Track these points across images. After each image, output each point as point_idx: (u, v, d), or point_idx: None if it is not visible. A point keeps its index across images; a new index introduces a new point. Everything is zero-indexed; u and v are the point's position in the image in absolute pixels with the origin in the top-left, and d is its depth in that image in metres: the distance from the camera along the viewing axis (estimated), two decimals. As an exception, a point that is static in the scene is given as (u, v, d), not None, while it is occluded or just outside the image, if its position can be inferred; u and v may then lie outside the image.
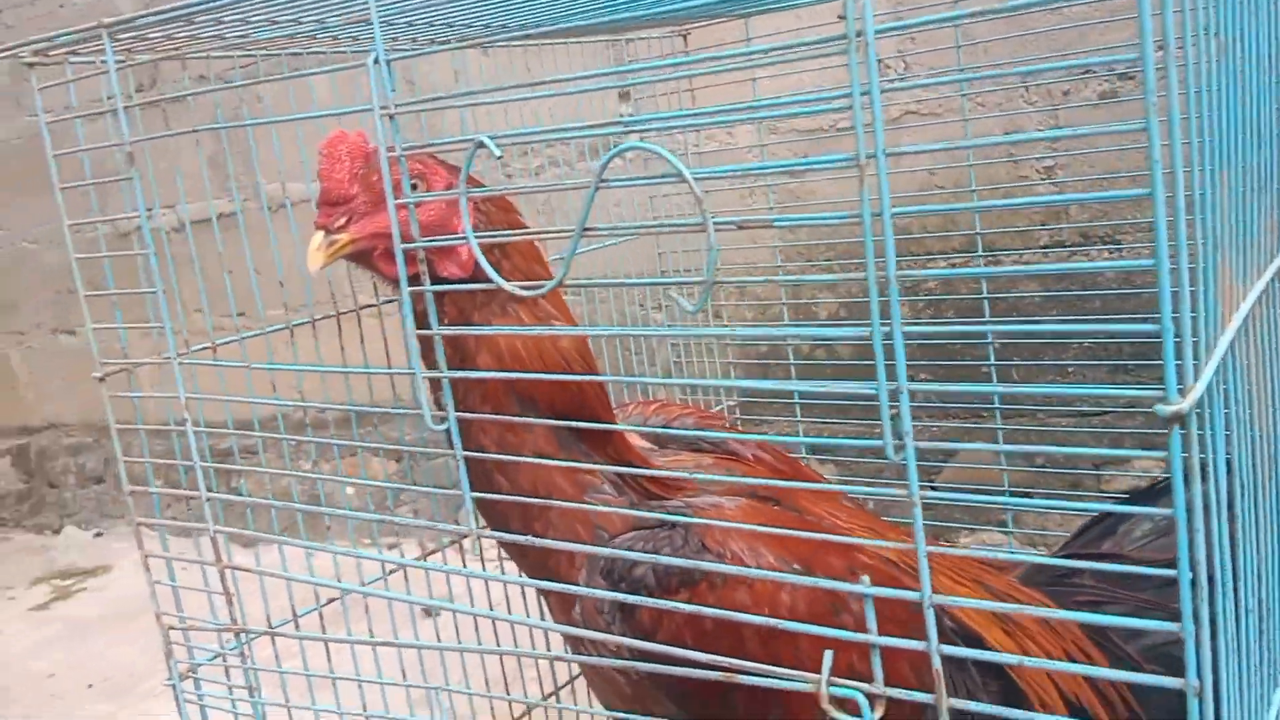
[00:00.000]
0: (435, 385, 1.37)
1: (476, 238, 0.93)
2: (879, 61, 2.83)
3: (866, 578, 0.79)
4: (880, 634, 1.36)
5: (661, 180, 0.77)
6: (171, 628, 1.32)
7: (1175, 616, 1.64)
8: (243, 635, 1.29)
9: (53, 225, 4.79)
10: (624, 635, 1.32)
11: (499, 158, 0.84)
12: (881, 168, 0.71)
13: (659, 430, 1.46)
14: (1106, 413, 2.90)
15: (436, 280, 1.32)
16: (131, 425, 1.33)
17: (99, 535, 5.02)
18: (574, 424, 1.36)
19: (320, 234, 1.31)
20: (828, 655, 0.80)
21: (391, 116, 0.95)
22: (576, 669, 1.84)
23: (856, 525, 1.56)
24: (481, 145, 0.85)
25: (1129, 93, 2.90)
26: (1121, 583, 1.61)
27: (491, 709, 1.63)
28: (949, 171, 2.84)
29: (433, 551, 1.62)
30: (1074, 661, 1.53)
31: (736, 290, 2.53)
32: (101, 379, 1.30)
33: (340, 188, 1.29)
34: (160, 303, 1.25)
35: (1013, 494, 2.63)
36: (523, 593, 1.78)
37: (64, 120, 1.35)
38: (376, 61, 0.92)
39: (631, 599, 1.27)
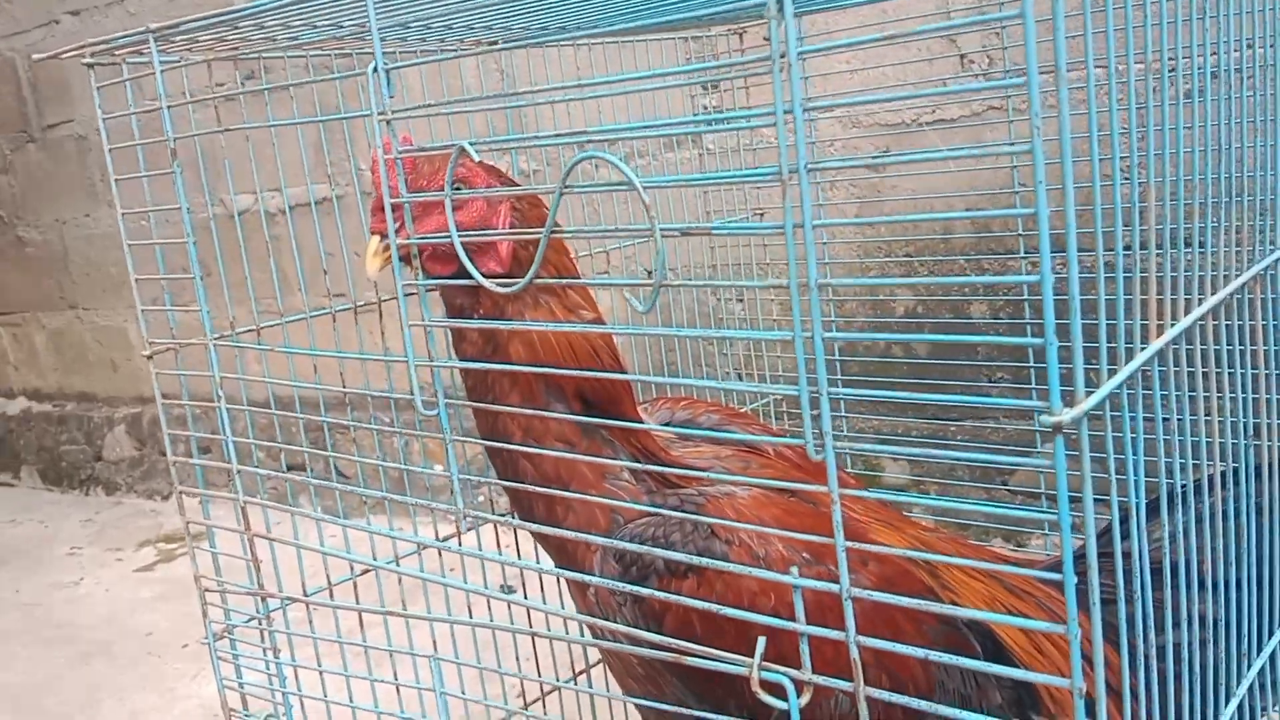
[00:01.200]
0: (465, 373, 1.45)
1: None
2: (962, 57, 2.80)
3: (796, 569, 0.83)
4: (882, 623, 1.41)
5: (613, 188, 0.82)
6: (207, 590, 1.41)
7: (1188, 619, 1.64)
8: (268, 600, 1.38)
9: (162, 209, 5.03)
10: (635, 618, 1.37)
11: (477, 162, 0.90)
12: (804, 182, 0.74)
13: (678, 430, 1.51)
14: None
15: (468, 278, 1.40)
16: (177, 400, 1.41)
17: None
18: (601, 421, 1.41)
19: (376, 239, 1.38)
20: (761, 641, 0.84)
21: (388, 122, 1.02)
22: (595, 654, 1.90)
23: (872, 518, 1.59)
24: (464, 151, 0.91)
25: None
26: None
27: (521, 688, 1.69)
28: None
29: (451, 535, 1.69)
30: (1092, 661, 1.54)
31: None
32: (149, 357, 1.39)
33: (395, 194, 1.36)
34: (198, 288, 1.33)
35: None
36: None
37: (151, 112, 1.42)
38: (375, 70, 0.99)
39: (641, 590, 1.31)
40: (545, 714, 1.65)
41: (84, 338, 5.54)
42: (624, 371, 1.48)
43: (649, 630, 1.34)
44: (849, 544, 0.89)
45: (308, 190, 1.73)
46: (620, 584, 1.35)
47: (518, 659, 1.75)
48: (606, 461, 1.45)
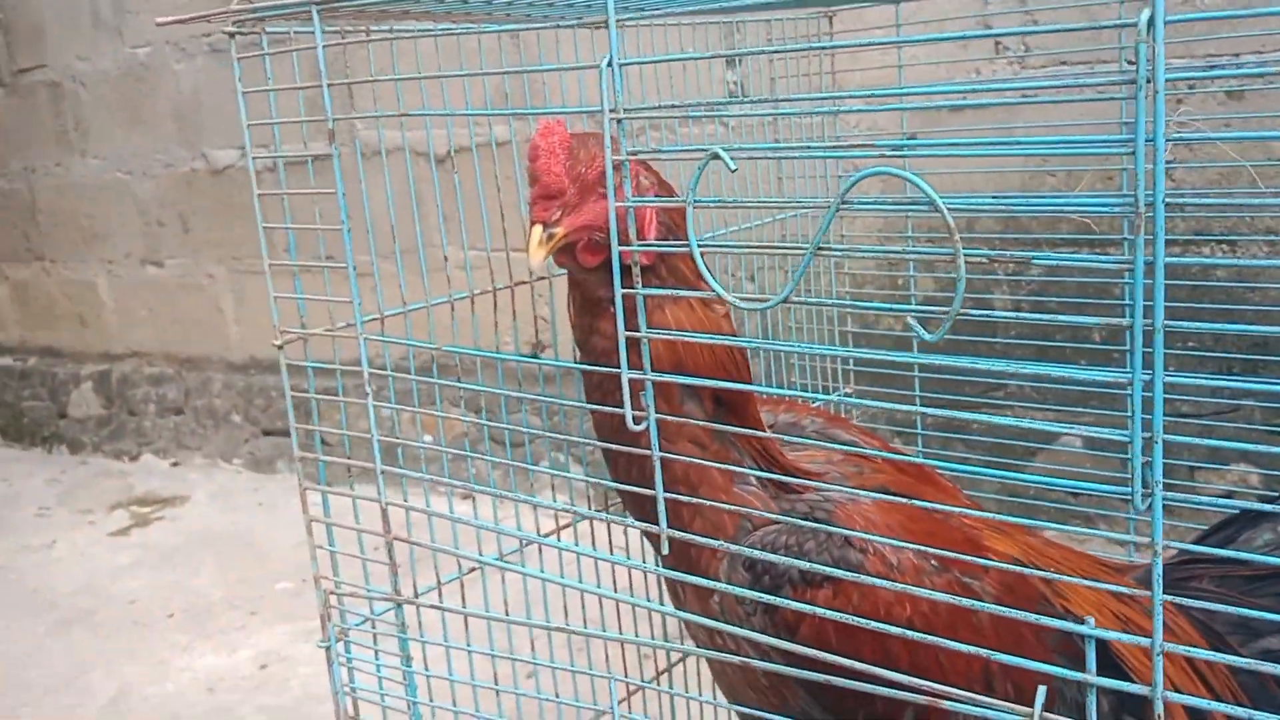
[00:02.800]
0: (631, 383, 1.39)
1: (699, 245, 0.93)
2: (997, 43, 2.76)
3: (1091, 619, 0.80)
4: (1007, 631, 1.40)
5: (909, 207, 0.77)
6: (331, 592, 1.34)
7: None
8: (400, 605, 1.31)
9: (146, 157, 4.87)
10: (765, 629, 1.34)
11: (734, 170, 0.84)
12: (1159, 216, 0.70)
13: (784, 438, 1.46)
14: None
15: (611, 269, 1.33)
16: (303, 393, 1.33)
17: (176, 465, 5.12)
18: (733, 429, 1.36)
19: (538, 228, 1.30)
20: (1041, 690, 0.80)
21: (620, 121, 0.96)
22: (678, 654, 1.87)
23: (983, 524, 1.57)
24: (716, 157, 0.86)
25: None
26: (1239, 589, 1.62)
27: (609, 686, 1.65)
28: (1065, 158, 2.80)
29: (565, 526, 1.64)
30: (1199, 673, 1.54)
31: (834, 267, 2.52)
32: (280, 347, 1.31)
33: (558, 182, 1.29)
34: (351, 276, 1.25)
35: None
36: (639, 574, 1.79)
37: (300, 89, 1.33)
38: (609, 64, 0.92)
39: (774, 600, 1.28)
40: (630, 713, 1.61)
41: (51, 291, 5.36)
42: (749, 372, 1.43)
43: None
44: (969, 558, 0.87)
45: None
46: (753, 593, 1.30)
47: (625, 659, 1.70)
48: (736, 467, 1.40)
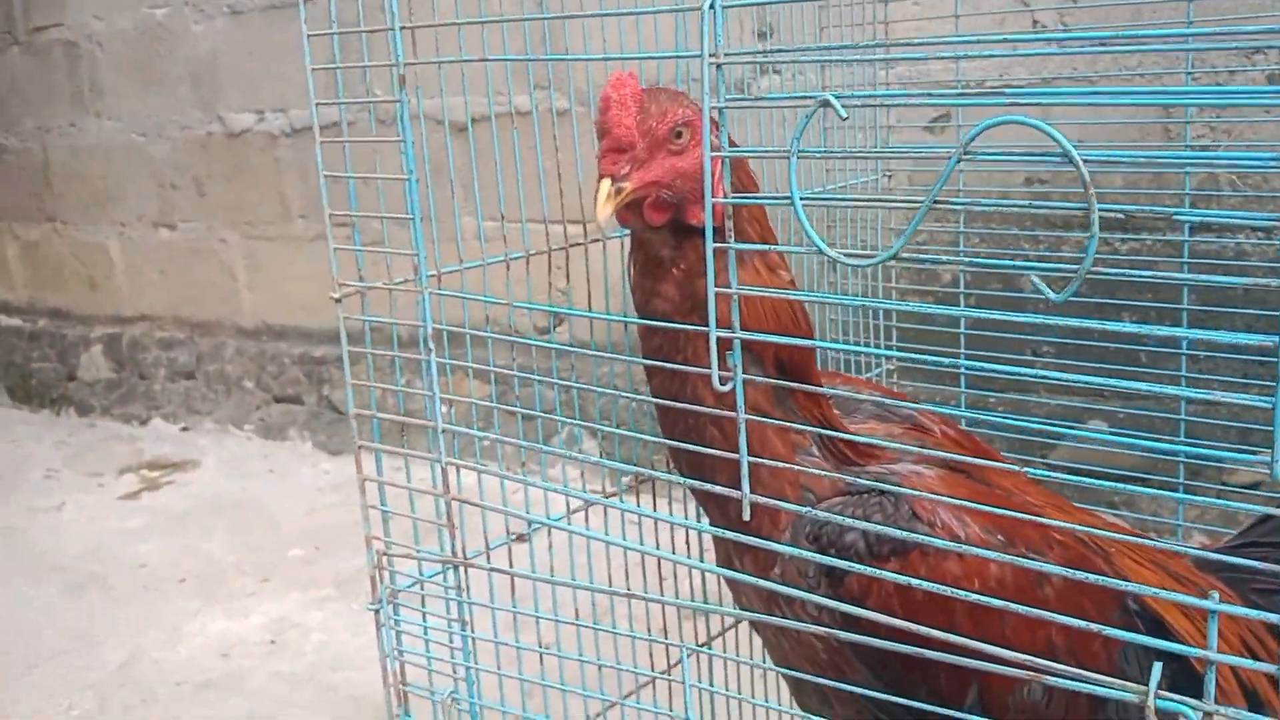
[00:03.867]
0: (650, 332, 1.36)
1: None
2: (1034, 21, 2.71)
3: (1216, 594, 0.77)
4: (1070, 608, 1.37)
5: (1041, 156, 0.74)
6: (383, 553, 1.31)
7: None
8: (457, 567, 1.28)
9: (162, 119, 4.82)
10: (829, 600, 1.31)
11: (844, 119, 0.81)
12: None
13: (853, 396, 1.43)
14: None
15: (683, 228, 1.30)
16: (360, 348, 1.29)
17: (185, 430, 5.09)
18: (792, 384, 1.33)
19: (606, 182, 1.26)
20: (1157, 667, 0.77)
21: (719, 66, 0.92)
22: (728, 620, 1.84)
23: (1043, 500, 1.55)
24: (826, 104, 0.82)
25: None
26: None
27: (650, 653, 1.62)
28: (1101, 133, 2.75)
29: (613, 494, 1.61)
30: (1253, 653, 1.52)
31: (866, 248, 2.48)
32: (338, 300, 1.27)
33: (628, 135, 1.26)
34: (415, 229, 1.21)
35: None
36: (685, 538, 1.77)
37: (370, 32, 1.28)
38: (712, 7, 0.88)
39: (841, 564, 1.25)
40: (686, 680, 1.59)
41: (61, 252, 5.31)
42: (813, 336, 1.40)
43: (843, 615, 1.28)
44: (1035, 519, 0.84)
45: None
46: (816, 556, 1.27)
47: (664, 627, 1.68)
48: (797, 431, 1.37)
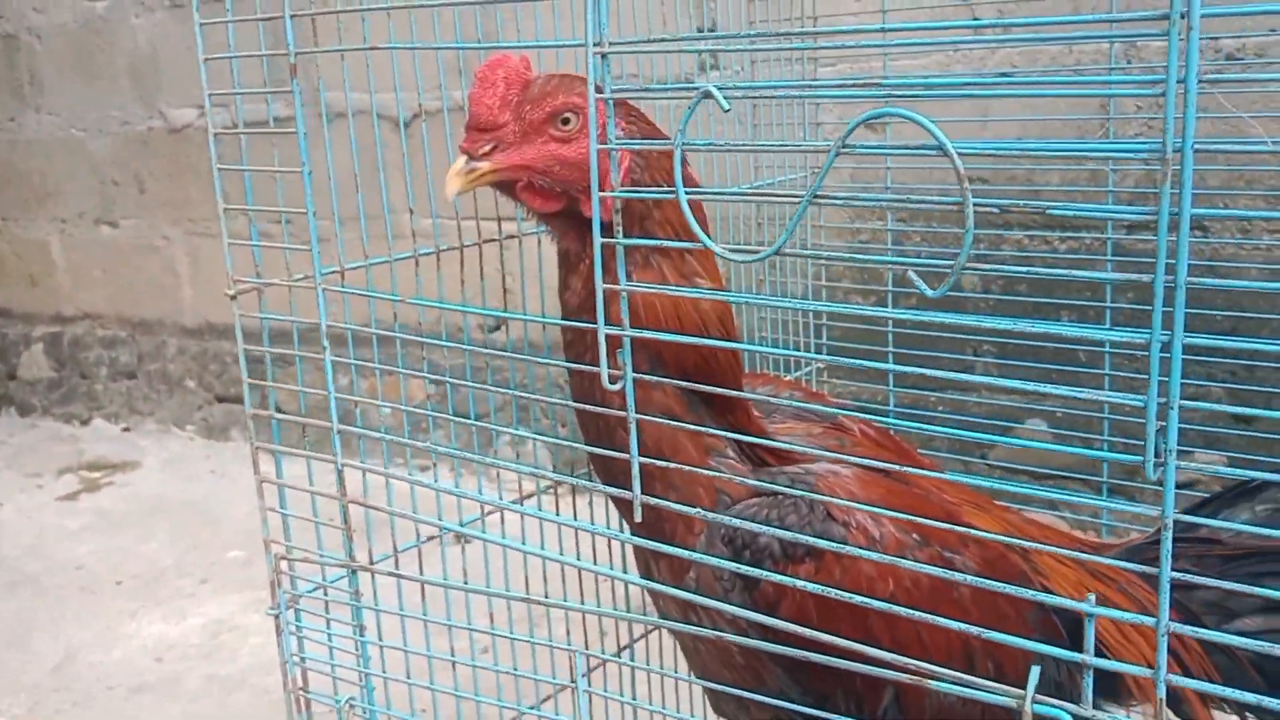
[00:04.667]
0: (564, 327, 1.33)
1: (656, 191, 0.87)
2: (971, 8, 2.69)
3: (1093, 595, 0.75)
4: (986, 605, 1.36)
5: (918, 152, 0.72)
6: (282, 557, 1.27)
7: (1269, 605, 1.62)
8: (355, 572, 1.25)
9: (102, 115, 4.73)
10: (744, 605, 1.29)
11: (727, 110, 0.79)
12: (1187, 165, 0.65)
13: (779, 401, 1.41)
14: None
15: (580, 220, 1.27)
16: (259, 347, 1.25)
17: (127, 430, 5.01)
18: (699, 387, 1.30)
19: (462, 159, 1.24)
20: (1034, 671, 0.76)
21: (604, 55, 0.89)
22: (642, 627, 1.82)
23: (962, 499, 1.54)
24: (708, 95, 0.80)
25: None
26: (1216, 568, 1.61)
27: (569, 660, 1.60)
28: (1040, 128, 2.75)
29: (530, 495, 1.58)
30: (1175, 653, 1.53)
31: (801, 248, 2.46)
32: (233, 296, 1.24)
33: (489, 114, 1.22)
34: (311, 223, 1.18)
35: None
36: (607, 544, 1.74)
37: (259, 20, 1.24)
38: (595, -5, 0.86)
39: (752, 571, 1.23)
40: (591, 688, 1.56)
41: (1, 249, 5.21)
42: (736, 355, 1.36)
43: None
44: (951, 527, 0.83)
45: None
46: (730, 564, 1.25)
47: (585, 632, 1.65)
48: (711, 434, 1.35)
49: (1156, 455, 0.69)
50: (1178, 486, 0.72)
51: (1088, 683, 0.75)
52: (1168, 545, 0.70)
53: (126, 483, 4.46)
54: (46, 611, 3.42)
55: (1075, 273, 0.69)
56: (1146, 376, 0.68)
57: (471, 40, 1.49)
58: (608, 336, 1.00)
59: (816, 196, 0.76)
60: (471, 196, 1.23)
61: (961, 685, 0.80)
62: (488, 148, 1.23)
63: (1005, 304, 2.82)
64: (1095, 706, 0.77)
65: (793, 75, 1.96)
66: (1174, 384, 0.68)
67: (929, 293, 0.75)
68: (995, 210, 0.69)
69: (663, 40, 0.91)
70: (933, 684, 0.84)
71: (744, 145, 0.94)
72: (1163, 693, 0.71)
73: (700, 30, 3.30)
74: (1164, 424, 0.69)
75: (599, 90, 0.95)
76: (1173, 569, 1.62)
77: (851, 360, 1.24)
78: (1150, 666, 1.49)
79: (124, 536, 3.93)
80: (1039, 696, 0.75)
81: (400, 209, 1.49)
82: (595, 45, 0.88)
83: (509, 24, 1.62)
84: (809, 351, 2.19)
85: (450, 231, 1.56)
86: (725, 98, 0.80)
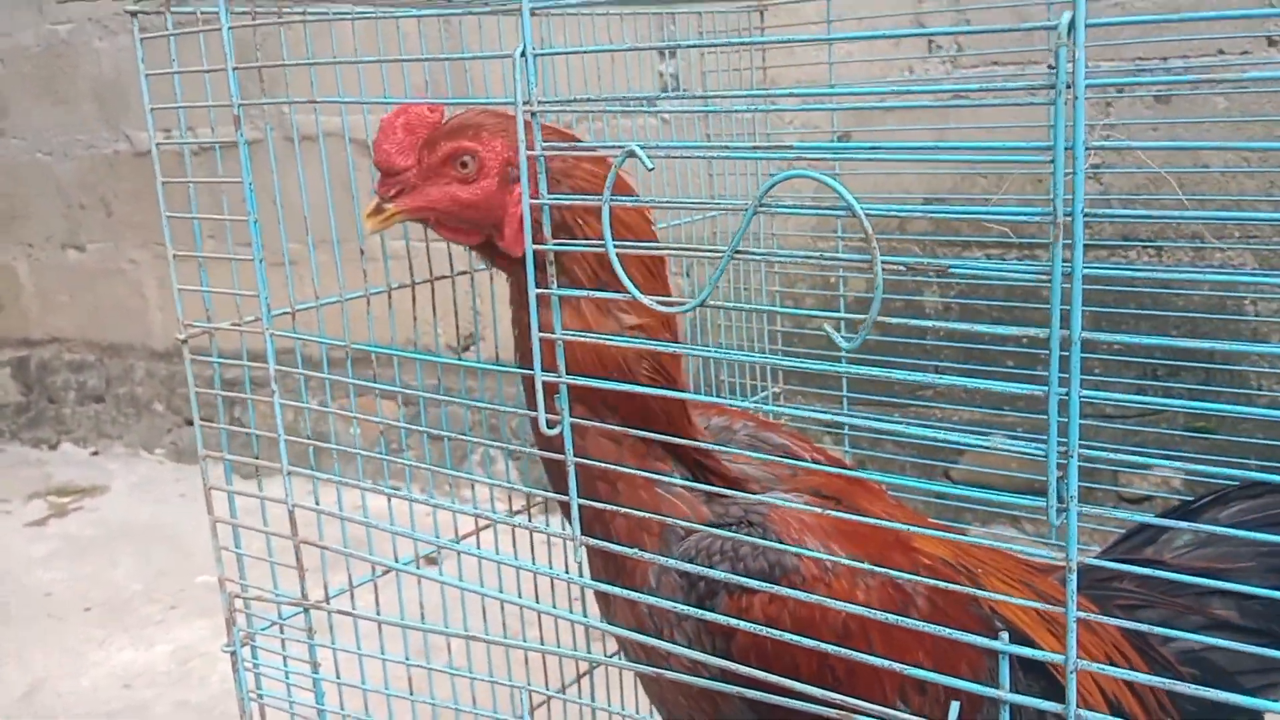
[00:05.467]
0: (516, 351, 1.35)
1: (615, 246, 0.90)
2: (930, 41, 2.73)
3: (1005, 634, 0.78)
4: (936, 638, 1.39)
5: (830, 211, 0.75)
6: (236, 595, 1.29)
7: (1213, 623, 1.66)
8: (308, 609, 1.27)
9: (68, 138, 4.73)
10: (698, 634, 1.31)
11: (650, 169, 0.81)
12: (1078, 225, 0.68)
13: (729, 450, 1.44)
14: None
15: (501, 258, 1.31)
16: (210, 390, 1.28)
17: (95, 454, 5.00)
18: (633, 431, 1.33)
19: (374, 201, 1.31)
20: (954, 706, 0.79)
21: (533, 114, 0.92)
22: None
23: (909, 519, 1.58)
24: (632, 154, 0.83)
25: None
26: (1160, 589, 1.64)
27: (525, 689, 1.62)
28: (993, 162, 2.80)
29: (484, 527, 1.60)
30: (1113, 663, 1.56)
31: (764, 265, 2.50)
32: (184, 341, 1.26)
33: (389, 160, 1.29)
34: (258, 269, 1.20)
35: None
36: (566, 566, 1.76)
37: (205, 72, 1.27)
38: (523, 55, 0.89)
39: (704, 614, 1.25)
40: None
41: (-35, 274, 5.20)
42: (673, 386, 1.38)
43: (714, 647, 1.29)
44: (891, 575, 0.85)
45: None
46: (685, 608, 1.27)
47: (526, 666, 1.67)
48: (654, 471, 1.37)
49: (1060, 501, 0.72)
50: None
51: (1004, 715, 0.78)
52: (1072, 587, 0.73)
53: (95, 507, 4.45)
54: (13, 639, 3.41)
55: (976, 325, 0.72)
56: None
57: (423, 84, 1.51)
58: (545, 382, 1.02)
59: (737, 252, 0.79)
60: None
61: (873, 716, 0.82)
62: (394, 191, 1.30)
63: (958, 335, 2.85)
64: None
65: (741, 124, 2.01)
66: (1073, 434, 0.71)
67: (844, 345, 0.78)
68: (903, 267, 0.72)
69: (588, 100, 0.93)
70: (856, 718, 0.87)
71: (664, 201, 0.96)
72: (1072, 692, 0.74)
73: (662, 55, 3.34)
74: (1063, 474, 0.72)
75: (530, 148, 0.98)
76: (1115, 589, 1.65)
77: (792, 409, 1.28)
78: (1096, 687, 1.53)
79: (92, 562, 3.92)
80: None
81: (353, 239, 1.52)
82: (525, 104, 0.91)
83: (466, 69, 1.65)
84: (766, 377, 2.22)
85: (419, 255, 1.58)
86: (649, 156, 0.82)
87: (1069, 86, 0.68)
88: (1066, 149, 0.68)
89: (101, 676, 3.19)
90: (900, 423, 0.82)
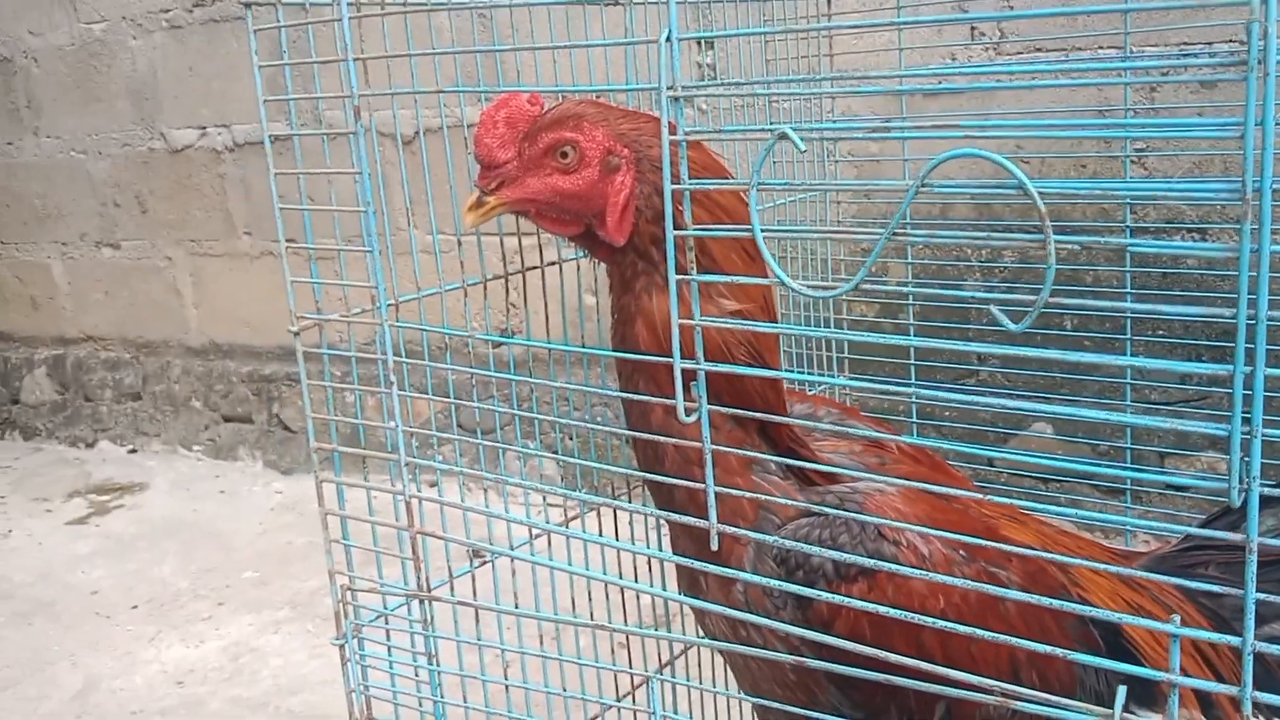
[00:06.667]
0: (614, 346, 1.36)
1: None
2: (972, 28, 2.72)
3: (1178, 617, 0.78)
4: (1031, 618, 1.39)
5: (996, 189, 0.75)
6: (347, 588, 1.29)
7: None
8: (425, 601, 1.27)
9: (102, 136, 4.74)
10: (797, 622, 1.31)
11: (803, 151, 0.81)
12: (1266, 203, 0.68)
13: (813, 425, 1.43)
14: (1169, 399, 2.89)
15: (602, 247, 1.31)
16: (319, 382, 1.27)
17: (133, 451, 5.01)
18: (754, 415, 1.33)
19: (475, 194, 1.32)
20: (1122, 691, 0.79)
21: (676, 99, 0.92)
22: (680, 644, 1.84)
23: (999, 513, 1.57)
24: (784, 137, 0.82)
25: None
26: (1242, 573, 1.62)
27: (614, 677, 1.62)
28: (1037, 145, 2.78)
29: (574, 517, 1.60)
30: (1201, 652, 1.56)
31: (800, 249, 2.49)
32: (296, 334, 1.26)
33: (490, 153, 1.30)
34: (375, 264, 1.20)
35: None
36: (634, 562, 1.76)
37: (315, 63, 1.26)
38: (669, 39, 0.88)
39: (807, 591, 1.25)
40: (635, 705, 1.59)
41: (1, 273, 5.21)
42: (774, 359, 1.39)
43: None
44: (992, 544, 0.85)
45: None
46: (786, 584, 1.28)
47: (627, 647, 1.67)
48: (752, 453, 1.37)
49: (1240, 482, 0.72)
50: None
51: (1173, 700, 0.77)
52: (1251, 571, 0.72)
53: (136, 505, 4.46)
54: (62, 639, 3.42)
55: (1162, 308, 0.72)
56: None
57: (492, 70, 1.51)
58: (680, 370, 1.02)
59: (896, 233, 0.79)
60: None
61: (1046, 705, 0.82)
62: (495, 184, 1.31)
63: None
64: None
65: (804, 107, 1.99)
66: (1256, 414, 0.71)
67: (1013, 328, 0.77)
68: (1077, 248, 0.72)
69: (735, 84, 0.93)
70: (1015, 703, 0.86)
71: (819, 184, 0.95)
72: (1248, 709, 0.74)
73: (700, 45, 3.33)
74: (1247, 456, 0.71)
75: (672, 131, 0.98)
76: (1201, 576, 1.65)
77: (863, 383, 1.27)
78: (1183, 670, 1.53)
79: (136, 560, 3.93)
80: (1127, 715, 0.78)
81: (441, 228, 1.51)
82: (669, 89, 0.91)
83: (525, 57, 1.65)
84: (831, 366, 2.22)
85: (490, 249, 1.58)
86: (801, 138, 0.82)
87: (1261, 62, 0.67)
88: (1256, 125, 0.68)
89: (154, 674, 3.20)
90: (1072, 402, 0.82)
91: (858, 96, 3.18)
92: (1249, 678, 0.75)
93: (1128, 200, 1.90)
